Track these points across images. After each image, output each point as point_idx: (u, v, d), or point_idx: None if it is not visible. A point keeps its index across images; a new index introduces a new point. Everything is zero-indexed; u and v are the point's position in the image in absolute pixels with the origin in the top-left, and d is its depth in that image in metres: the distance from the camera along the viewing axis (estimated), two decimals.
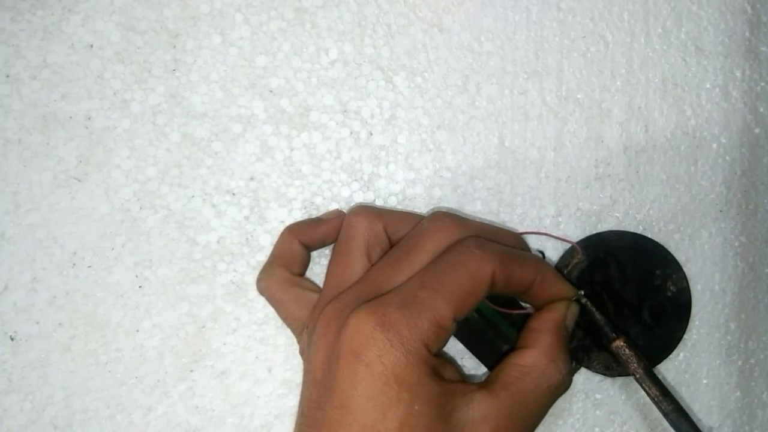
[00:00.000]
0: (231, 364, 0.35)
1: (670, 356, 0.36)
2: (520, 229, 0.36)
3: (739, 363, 0.37)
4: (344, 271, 0.31)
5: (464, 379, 0.29)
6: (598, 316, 0.33)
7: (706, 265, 0.37)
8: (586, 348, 0.35)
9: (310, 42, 0.36)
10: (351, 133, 0.36)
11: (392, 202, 0.36)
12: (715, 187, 0.37)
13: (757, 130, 0.38)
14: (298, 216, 0.36)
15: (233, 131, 0.36)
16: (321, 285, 0.33)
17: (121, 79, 0.35)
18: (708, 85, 0.37)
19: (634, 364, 0.32)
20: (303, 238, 0.34)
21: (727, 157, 0.37)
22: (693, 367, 0.37)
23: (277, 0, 0.36)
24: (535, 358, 0.29)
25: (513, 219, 0.36)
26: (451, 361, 0.32)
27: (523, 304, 0.33)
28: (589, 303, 0.33)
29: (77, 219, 0.35)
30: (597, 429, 0.36)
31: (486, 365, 0.33)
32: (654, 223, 0.37)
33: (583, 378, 0.36)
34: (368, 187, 0.36)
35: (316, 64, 0.36)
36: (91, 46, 0.35)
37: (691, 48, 0.37)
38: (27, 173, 0.35)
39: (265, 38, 0.36)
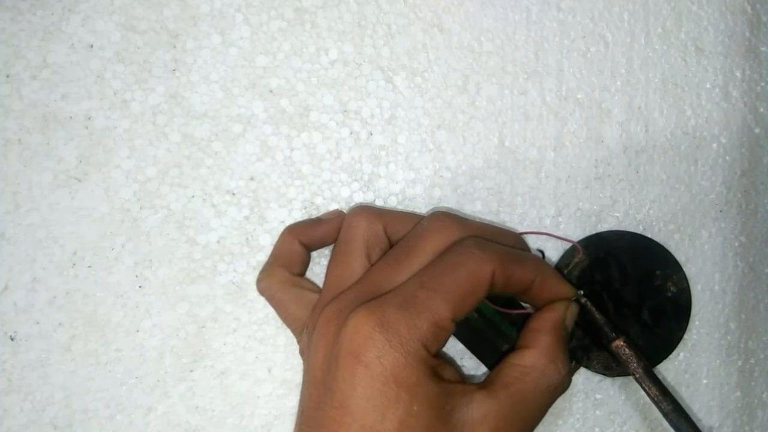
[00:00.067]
0: (231, 364, 0.35)
1: (670, 356, 0.36)
2: (520, 229, 0.36)
3: (739, 363, 0.37)
4: (344, 272, 0.31)
5: (464, 379, 0.29)
6: (597, 315, 0.33)
7: (706, 265, 0.37)
8: (586, 348, 0.35)
9: (310, 42, 0.36)
10: (351, 133, 0.36)
11: (392, 202, 0.36)
12: (715, 187, 0.37)
13: (757, 130, 0.38)
14: (298, 216, 0.36)
15: (233, 131, 0.36)
16: (321, 285, 0.33)
17: (121, 79, 0.35)
18: (708, 85, 0.37)
19: (633, 364, 0.32)
20: (303, 238, 0.34)
21: (727, 157, 0.37)
22: (693, 367, 0.37)
23: (277, 0, 0.36)
24: (534, 358, 0.29)
25: (513, 219, 0.36)
26: (450, 362, 0.32)
27: (523, 304, 0.33)
28: (588, 303, 0.33)
29: (77, 219, 0.35)
30: (597, 429, 0.36)
31: (486, 365, 0.33)
32: (654, 223, 0.37)
33: (583, 378, 0.36)
34: (368, 187, 0.36)
35: (316, 64, 0.36)
36: (91, 46, 0.36)
37: (691, 48, 0.37)
38: (27, 173, 0.35)
39: (265, 38, 0.36)
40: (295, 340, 0.33)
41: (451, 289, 0.28)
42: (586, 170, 0.37)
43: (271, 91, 0.36)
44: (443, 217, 0.31)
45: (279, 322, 0.34)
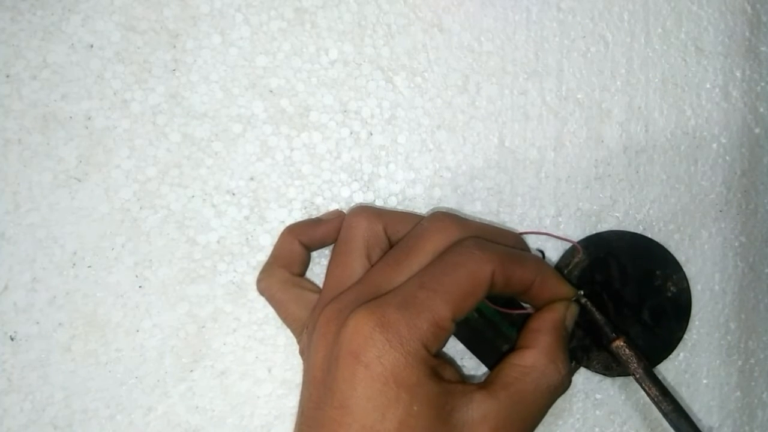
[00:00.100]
0: (231, 364, 0.35)
1: (670, 356, 0.36)
2: (520, 229, 0.36)
3: (739, 363, 0.37)
4: (344, 272, 0.31)
5: (464, 379, 0.29)
6: (597, 316, 0.33)
7: (706, 265, 0.37)
8: (586, 348, 0.35)
9: (310, 42, 0.36)
10: (351, 133, 0.36)
11: (392, 202, 0.36)
12: (715, 187, 0.37)
13: (757, 130, 0.38)
14: (298, 216, 0.36)
15: (233, 131, 0.36)
16: (321, 285, 0.33)
17: (121, 79, 0.35)
18: (708, 85, 0.37)
19: (634, 364, 0.32)
20: (303, 239, 0.34)
21: (727, 157, 0.37)
22: (693, 367, 0.37)
23: (277, 0, 0.36)
24: (534, 358, 0.29)
25: (513, 219, 0.36)
26: (450, 362, 0.32)
27: (523, 304, 0.33)
28: (588, 303, 0.33)
29: (77, 219, 0.35)
30: (597, 429, 0.36)
31: (486, 365, 0.33)
32: (654, 223, 0.37)
33: (583, 378, 0.36)
34: (368, 187, 0.36)
35: (316, 64, 0.36)
36: (91, 46, 0.35)
37: (691, 48, 0.37)
38: (27, 173, 0.35)
39: (265, 38, 0.36)
40: (295, 340, 0.33)
41: (451, 290, 0.28)
42: (586, 170, 0.37)
43: (271, 91, 0.36)
44: (443, 218, 0.31)
45: (279, 322, 0.34)
